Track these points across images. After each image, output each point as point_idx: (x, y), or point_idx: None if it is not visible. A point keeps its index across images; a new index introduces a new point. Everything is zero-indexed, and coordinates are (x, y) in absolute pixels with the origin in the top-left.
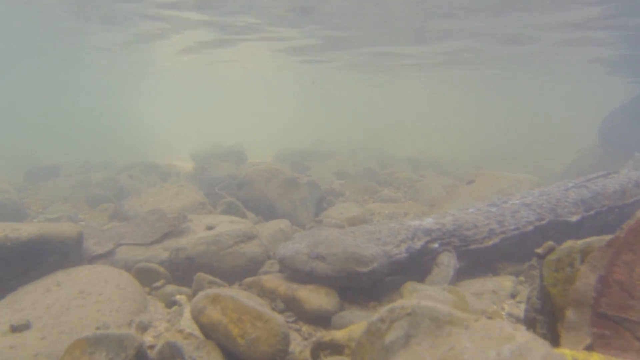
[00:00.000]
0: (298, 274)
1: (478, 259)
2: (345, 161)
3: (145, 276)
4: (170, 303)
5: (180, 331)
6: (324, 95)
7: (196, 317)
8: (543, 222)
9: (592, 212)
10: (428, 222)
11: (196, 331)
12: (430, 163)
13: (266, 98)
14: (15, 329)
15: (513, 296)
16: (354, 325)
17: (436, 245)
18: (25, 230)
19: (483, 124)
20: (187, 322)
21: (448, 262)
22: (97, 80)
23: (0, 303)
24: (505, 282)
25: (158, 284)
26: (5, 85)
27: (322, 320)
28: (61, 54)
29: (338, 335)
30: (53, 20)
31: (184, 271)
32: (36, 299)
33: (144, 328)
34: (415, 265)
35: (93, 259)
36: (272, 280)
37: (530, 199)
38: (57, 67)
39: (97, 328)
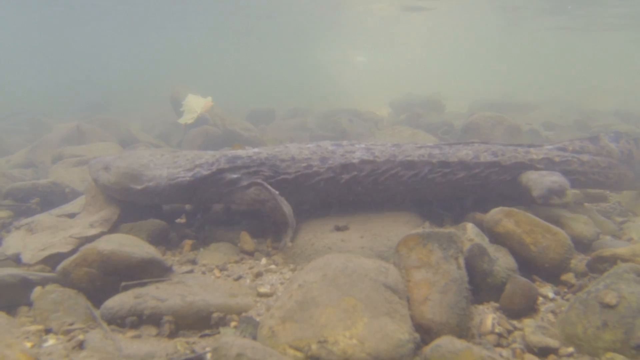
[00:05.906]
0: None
1: None
2: (548, 112)
3: None
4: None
5: (470, 240)
6: (515, 46)
7: (492, 228)
8: None
9: None
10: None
11: (478, 239)
12: None
13: (457, 48)
14: (338, 229)
15: None
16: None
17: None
18: None
19: None
20: (471, 235)
21: None
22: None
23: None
24: None
25: None
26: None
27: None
28: None
29: (620, 251)
30: None
31: None
32: None
33: None
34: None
35: None
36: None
37: None
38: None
39: (422, 227)
